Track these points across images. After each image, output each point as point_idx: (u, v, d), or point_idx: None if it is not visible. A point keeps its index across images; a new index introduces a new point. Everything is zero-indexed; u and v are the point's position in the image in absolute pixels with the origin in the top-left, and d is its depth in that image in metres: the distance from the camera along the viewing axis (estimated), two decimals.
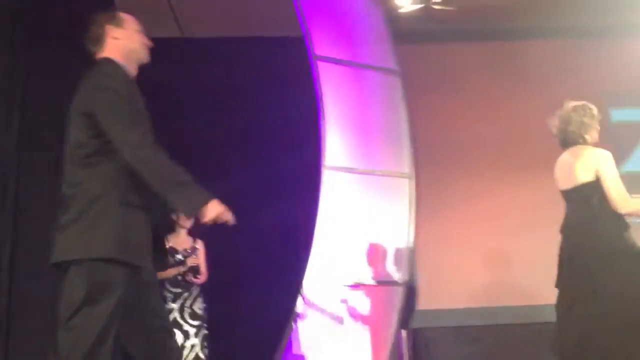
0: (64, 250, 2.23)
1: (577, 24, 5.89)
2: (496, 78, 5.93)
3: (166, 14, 5.50)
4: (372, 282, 5.02)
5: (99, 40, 2.38)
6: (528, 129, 5.76)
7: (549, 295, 5.26)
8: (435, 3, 5.47)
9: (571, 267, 3.23)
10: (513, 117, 5.85)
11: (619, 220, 3.16)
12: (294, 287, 4.68)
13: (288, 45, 5.10)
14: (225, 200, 2.28)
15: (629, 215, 3.17)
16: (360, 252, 4.99)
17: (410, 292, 5.21)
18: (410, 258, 5.21)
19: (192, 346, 4.63)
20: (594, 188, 3.16)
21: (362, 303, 4.90)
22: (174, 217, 4.78)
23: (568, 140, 3.34)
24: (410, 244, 5.24)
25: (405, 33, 5.74)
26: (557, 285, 3.36)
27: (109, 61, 2.34)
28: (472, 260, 5.46)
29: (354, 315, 4.81)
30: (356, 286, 4.92)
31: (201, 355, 4.64)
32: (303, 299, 4.69)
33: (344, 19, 5.16)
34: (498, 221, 5.62)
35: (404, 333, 4.97)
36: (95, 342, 2.15)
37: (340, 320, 4.79)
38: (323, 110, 4.77)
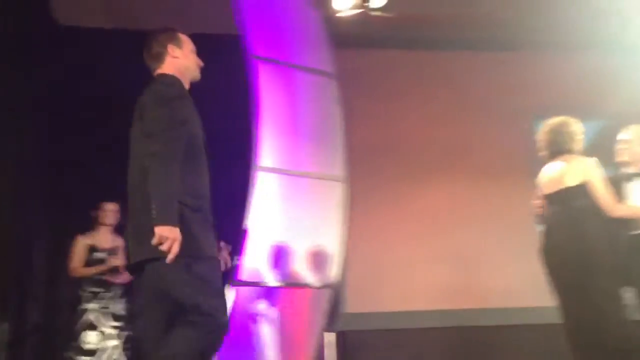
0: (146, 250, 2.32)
1: (512, 38, 6.06)
2: (432, 86, 6.03)
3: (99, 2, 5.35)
4: (298, 283, 4.99)
5: (160, 58, 2.58)
6: (462, 136, 5.89)
7: (478, 299, 5.43)
8: (374, 9, 5.49)
9: (550, 267, 3.49)
10: (448, 125, 5.95)
11: (599, 225, 3.38)
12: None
13: (224, 43, 5.03)
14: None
15: (622, 217, 3.42)
16: (287, 253, 4.96)
17: (338, 294, 5.23)
18: (340, 261, 5.22)
19: (113, 347, 4.49)
20: (579, 192, 3.39)
21: (288, 305, 4.87)
22: (93, 213, 4.65)
23: (558, 150, 3.57)
24: (341, 247, 5.26)
25: (343, 37, 5.77)
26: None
27: (166, 75, 2.54)
28: (403, 263, 5.51)
29: (280, 317, 4.76)
30: (283, 288, 4.88)
31: (123, 358, 4.51)
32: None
33: (282, 19, 5.13)
34: (431, 225, 5.70)
35: (329, 336, 4.97)
36: None
37: (266, 321, 4.73)
38: (258, 110, 4.72)
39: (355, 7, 5.41)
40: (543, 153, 3.69)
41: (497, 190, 5.76)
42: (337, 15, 5.50)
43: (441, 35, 6.01)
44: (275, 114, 5.02)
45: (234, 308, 4.44)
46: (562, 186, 3.44)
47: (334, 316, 5.14)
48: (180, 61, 2.59)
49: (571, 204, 3.41)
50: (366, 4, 5.35)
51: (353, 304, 5.42)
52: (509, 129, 5.93)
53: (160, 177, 2.24)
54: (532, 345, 5.19)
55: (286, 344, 4.82)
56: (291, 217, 5.08)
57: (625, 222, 3.48)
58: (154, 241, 2.22)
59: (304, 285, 5.04)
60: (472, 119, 5.96)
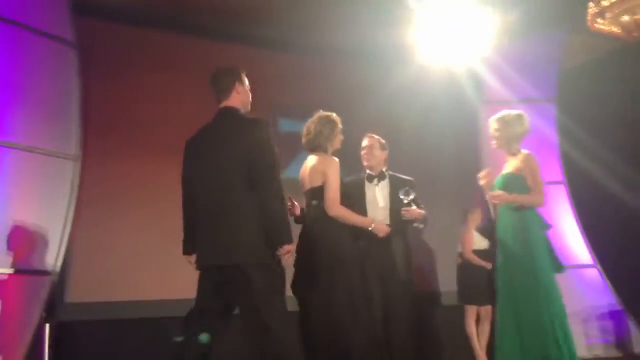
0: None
1: (261, 35, 6.18)
2: (176, 71, 5.85)
3: None
4: (13, 269, 4.48)
5: (227, 91, 3.12)
6: (200, 121, 5.82)
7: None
8: None
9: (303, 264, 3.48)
10: (187, 109, 5.82)
11: (341, 225, 3.49)
12: None
13: None
14: None
15: (336, 218, 3.50)
16: (4, 235, 4.42)
17: (59, 282, 4.83)
18: (64, 246, 4.83)
19: None
20: (322, 191, 3.48)
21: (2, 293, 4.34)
22: None
23: (313, 146, 3.64)
24: (66, 231, 4.86)
25: (91, 6, 5.35)
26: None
27: (236, 110, 3.10)
28: (130, 251, 5.22)
29: None
30: None
31: None
32: None
33: None
34: (167, 210, 5.48)
35: (46, 327, 4.56)
36: None
37: None
38: None
39: None
40: (305, 140, 3.70)
41: None
42: None
43: (193, 20, 5.89)
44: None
45: None
46: (313, 185, 3.54)
47: (52, 306, 4.72)
48: (242, 96, 3.14)
49: (319, 203, 3.51)
50: None
51: (77, 293, 5.02)
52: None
53: (285, 211, 2.91)
54: None
55: None
56: (11, 196, 4.55)
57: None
58: (287, 255, 2.91)
59: (20, 272, 4.54)
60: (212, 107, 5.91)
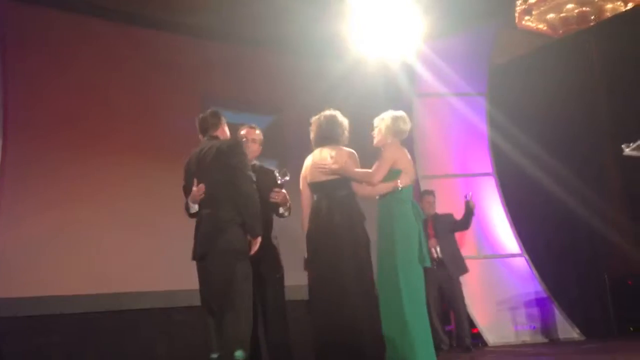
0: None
1: (194, 24, 6.03)
2: (104, 59, 5.64)
3: None
4: None
5: (216, 126, 3.71)
6: (129, 112, 5.66)
7: (125, 283, 5.23)
8: None
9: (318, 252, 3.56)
10: (114, 99, 5.62)
11: (359, 211, 3.64)
12: None
13: None
14: None
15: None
16: None
17: None
18: None
19: None
20: (345, 182, 3.64)
21: None
22: None
23: (325, 139, 3.71)
24: None
25: None
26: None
27: (219, 138, 3.74)
28: (53, 245, 5.00)
29: None
30: None
31: None
32: None
33: None
34: (83, 207, 5.28)
35: None
36: None
37: None
38: None
39: None
40: (319, 135, 3.72)
41: (157, 170, 5.57)
42: None
43: (123, 7, 5.69)
44: None
45: None
46: (330, 177, 3.60)
47: None
48: (225, 132, 3.79)
49: (339, 192, 3.59)
50: None
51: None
52: (176, 109, 5.85)
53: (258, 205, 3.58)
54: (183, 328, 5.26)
55: None
56: None
57: None
58: (256, 245, 3.51)
59: None
60: (140, 95, 5.73)
